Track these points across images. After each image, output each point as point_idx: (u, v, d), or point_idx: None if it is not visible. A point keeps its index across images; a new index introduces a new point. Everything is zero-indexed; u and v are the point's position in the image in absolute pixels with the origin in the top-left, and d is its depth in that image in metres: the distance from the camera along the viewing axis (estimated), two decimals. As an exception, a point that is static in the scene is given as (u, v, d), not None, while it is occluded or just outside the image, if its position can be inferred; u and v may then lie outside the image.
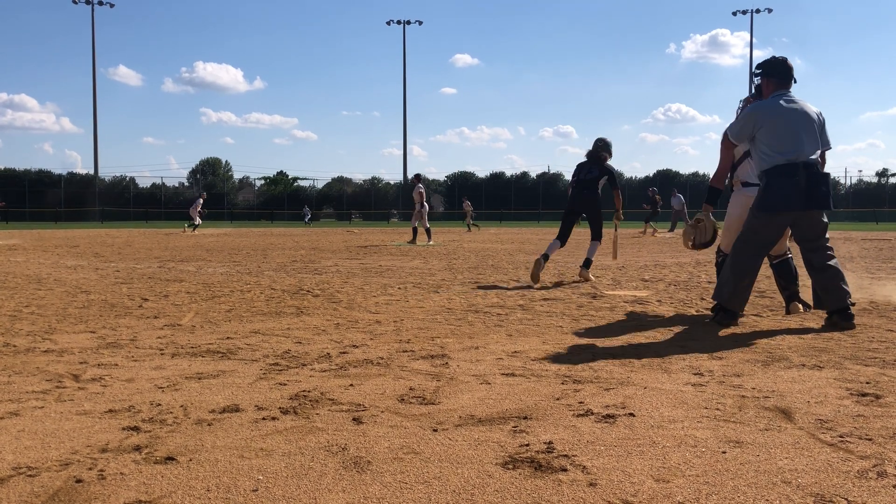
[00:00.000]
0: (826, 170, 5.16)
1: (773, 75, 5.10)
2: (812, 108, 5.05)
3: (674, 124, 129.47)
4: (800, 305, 5.52)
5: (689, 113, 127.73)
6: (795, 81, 5.14)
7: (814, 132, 4.98)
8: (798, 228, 5.02)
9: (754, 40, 77.48)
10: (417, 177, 19.55)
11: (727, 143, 5.25)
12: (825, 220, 4.99)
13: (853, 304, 4.96)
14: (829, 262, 4.97)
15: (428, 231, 18.87)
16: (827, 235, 5.01)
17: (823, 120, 5.10)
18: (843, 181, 64.04)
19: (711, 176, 5.50)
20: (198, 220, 29.03)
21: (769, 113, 4.96)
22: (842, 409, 2.92)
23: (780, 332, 4.74)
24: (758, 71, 5.21)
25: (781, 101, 4.98)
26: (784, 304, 5.69)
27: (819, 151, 5.00)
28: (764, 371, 3.62)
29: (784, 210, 4.90)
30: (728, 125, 5.23)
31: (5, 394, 3.16)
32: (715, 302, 5.22)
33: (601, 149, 8.55)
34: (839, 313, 4.89)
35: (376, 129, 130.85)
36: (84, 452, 2.40)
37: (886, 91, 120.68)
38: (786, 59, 5.12)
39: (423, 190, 18.72)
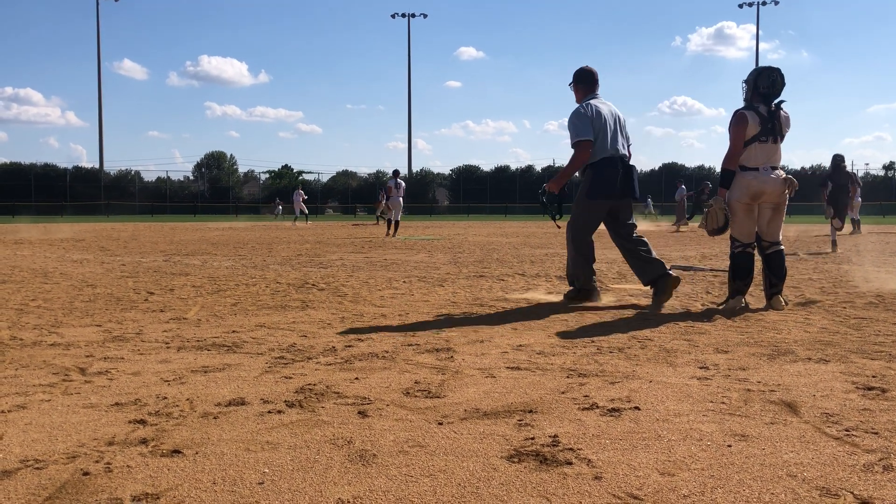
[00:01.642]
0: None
1: (583, 82, 5.90)
2: (616, 110, 5.88)
3: (679, 117, 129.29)
4: (782, 300, 5.48)
5: (695, 106, 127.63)
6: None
7: (623, 130, 5.84)
8: (614, 214, 5.79)
9: (760, 33, 77.03)
10: (395, 172, 20.97)
11: (583, 149, 5.66)
12: (631, 207, 5.89)
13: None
14: (639, 237, 5.83)
15: (389, 223, 20.20)
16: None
17: (625, 120, 5.94)
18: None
19: (722, 159, 5.50)
20: (306, 210, 30.40)
21: (598, 112, 5.68)
22: (847, 403, 2.91)
23: (785, 326, 4.73)
24: (572, 81, 5.98)
25: (598, 104, 5.75)
26: (765, 298, 5.56)
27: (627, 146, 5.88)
28: (769, 365, 3.62)
29: (609, 197, 5.69)
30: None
31: (12, 387, 3.18)
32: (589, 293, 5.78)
33: None
34: (663, 277, 5.56)
35: (381, 122, 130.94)
36: (91, 445, 2.41)
37: (893, 84, 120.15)
38: (592, 68, 5.93)
39: (390, 184, 20.30)
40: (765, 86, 5.36)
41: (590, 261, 5.77)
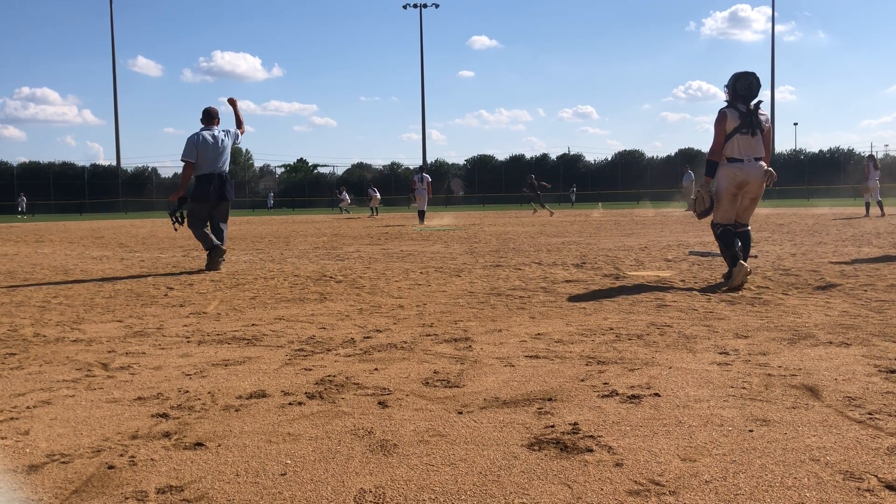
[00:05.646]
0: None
1: (204, 118, 8.29)
2: (223, 139, 8.26)
3: (695, 102, 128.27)
4: (747, 267, 5.87)
5: (711, 90, 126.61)
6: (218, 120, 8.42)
7: (227, 152, 8.34)
8: (216, 210, 8.31)
9: (776, 14, 75.98)
10: (420, 168, 23.83)
11: (186, 167, 8.14)
12: (229, 206, 8.48)
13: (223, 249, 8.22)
14: (224, 226, 8.41)
15: (419, 213, 22.31)
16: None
17: (235, 141, 8.51)
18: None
19: (707, 151, 6.27)
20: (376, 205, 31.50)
21: (203, 141, 8.10)
22: (870, 386, 2.89)
23: (805, 310, 4.70)
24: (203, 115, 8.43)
25: (208, 134, 8.16)
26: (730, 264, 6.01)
27: (227, 163, 8.37)
28: (790, 349, 3.59)
29: (207, 199, 8.16)
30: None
31: (37, 383, 3.22)
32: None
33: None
34: (214, 249, 8.10)
35: (395, 114, 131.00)
36: (115, 439, 2.44)
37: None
38: (212, 108, 8.33)
39: (415, 179, 22.48)
40: (742, 88, 6.09)
41: (206, 229, 8.17)
